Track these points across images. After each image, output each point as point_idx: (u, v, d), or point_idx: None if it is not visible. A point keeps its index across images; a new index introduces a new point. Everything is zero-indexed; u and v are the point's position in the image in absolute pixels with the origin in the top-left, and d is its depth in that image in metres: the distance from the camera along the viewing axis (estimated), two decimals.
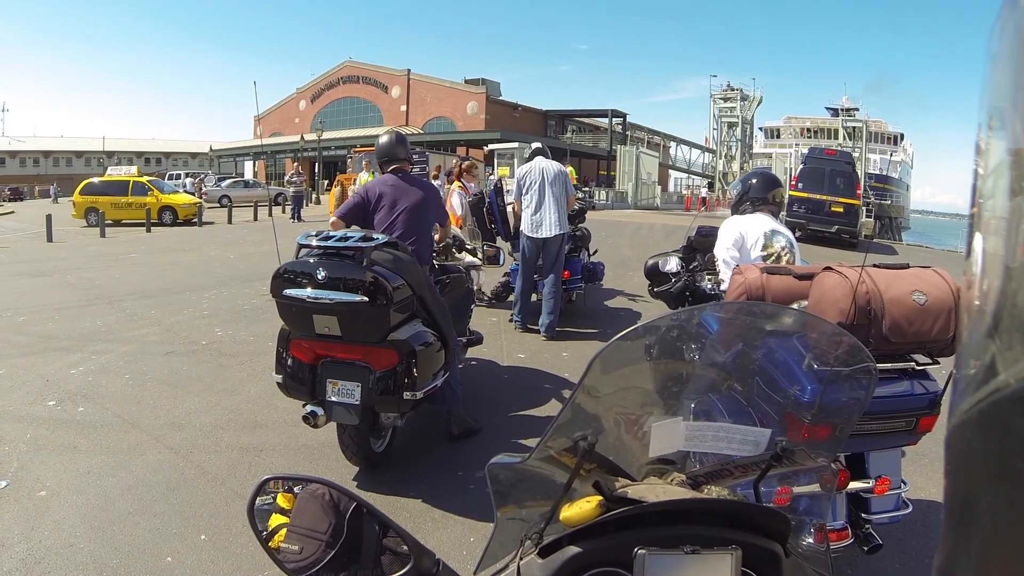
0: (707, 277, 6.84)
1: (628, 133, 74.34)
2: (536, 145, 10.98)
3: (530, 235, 10.24)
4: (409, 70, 77.99)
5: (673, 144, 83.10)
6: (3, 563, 4.72)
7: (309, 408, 5.43)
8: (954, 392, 0.71)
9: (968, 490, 0.67)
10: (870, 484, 4.14)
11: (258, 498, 1.77)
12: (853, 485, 4.11)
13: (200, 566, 4.69)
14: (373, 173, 18.60)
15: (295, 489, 1.77)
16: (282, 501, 1.76)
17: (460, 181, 13.75)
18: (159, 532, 5.11)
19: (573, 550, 1.60)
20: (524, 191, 10.32)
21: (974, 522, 0.65)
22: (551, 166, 10.50)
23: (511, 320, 11.16)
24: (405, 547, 1.64)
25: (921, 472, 5.93)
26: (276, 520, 1.74)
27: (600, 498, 1.70)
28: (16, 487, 5.82)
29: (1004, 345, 0.62)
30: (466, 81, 76.07)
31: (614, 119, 73.44)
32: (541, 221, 10.17)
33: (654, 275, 7.56)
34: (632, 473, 1.90)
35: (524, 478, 1.93)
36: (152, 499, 5.60)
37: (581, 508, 1.68)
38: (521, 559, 1.66)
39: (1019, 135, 0.63)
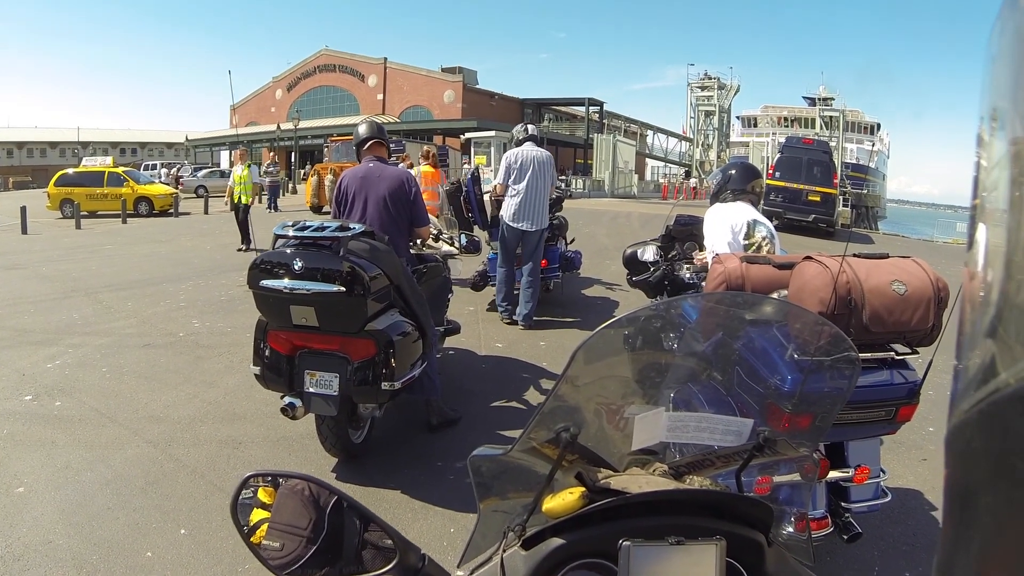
0: (685, 266, 6.85)
1: (605, 122, 74.30)
2: (531, 128, 10.78)
3: (512, 224, 10.21)
4: (386, 59, 77.71)
5: (650, 133, 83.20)
6: None
7: (287, 400, 5.43)
8: (953, 391, 0.70)
9: (968, 490, 0.67)
10: (850, 473, 4.17)
11: (240, 494, 1.76)
12: (833, 474, 4.14)
13: (180, 561, 4.69)
14: (248, 166, 19.64)
15: (279, 481, 1.76)
16: (263, 495, 1.75)
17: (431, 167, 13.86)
18: (138, 527, 5.09)
19: (557, 542, 1.61)
20: (512, 177, 10.23)
21: (974, 522, 0.65)
22: (542, 155, 10.42)
23: (495, 310, 11.15)
24: (388, 541, 1.64)
25: (899, 461, 5.99)
26: (257, 515, 1.73)
27: (583, 489, 1.71)
28: None
29: (1004, 345, 0.62)
30: (443, 69, 75.77)
31: (591, 107, 73.38)
32: (525, 213, 10.15)
33: (632, 264, 7.57)
34: (614, 464, 1.90)
35: (506, 470, 1.95)
36: (131, 494, 5.58)
37: (564, 499, 1.69)
38: (504, 551, 1.66)
39: (1019, 136, 0.63)
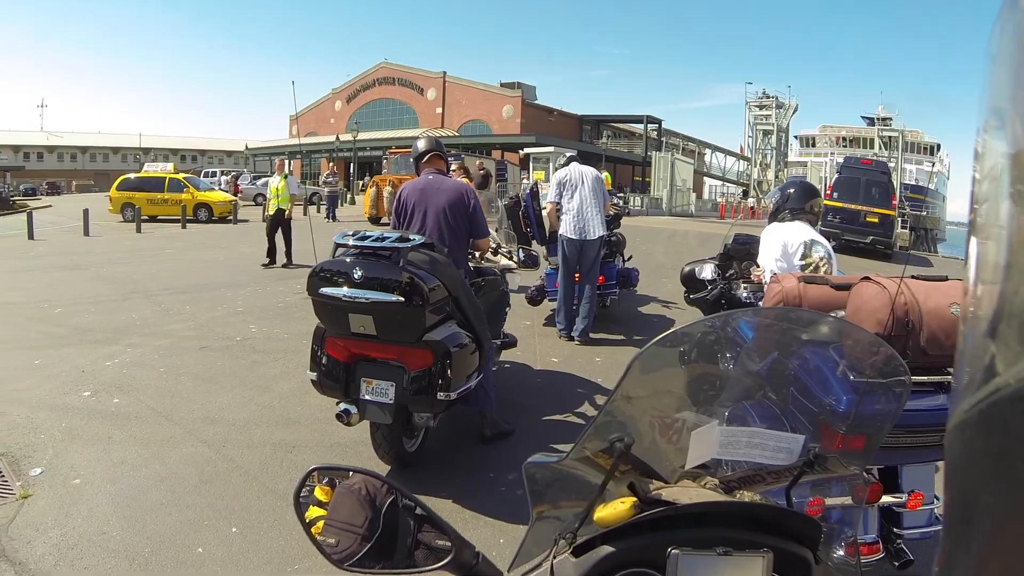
0: (743, 285, 6.80)
1: (663, 139, 73.86)
2: (570, 153, 11.09)
3: (571, 237, 10.24)
4: (445, 72, 77.92)
5: (708, 151, 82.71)
6: (36, 548, 4.82)
7: (343, 406, 5.47)
8: (954, 392, 0.71)
9: (968, 490, 0.67)
10: (903, 498, 4.09)
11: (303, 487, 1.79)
12: (886, 499, 4.08)
13: (231, 558, 4.76)
14: (285, 177, 18.77)
15: (335, 482, 1.78)
16: (320, 494, 1.78)
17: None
18: (191, 523, 5.18)
19: (606, 550, 1.61)
20: (564, 194, 10.35)
21: (974, 522, 0.65)
22: (588, 171, 10.59)
23: (552, 325, 11.17)
24: (440, 542, 1.67)
25: None
26: (314, 512, 1.76)
27: (634, 499, 1.71)
28: (50, 475, 5.92)
29: (1003, 345, 0.63)
30: (502, 85, 75.87)
31: (649, 125, 73.08)
32: (582, 223, 10.20)
33: (690, 282, 7.54)
34: (666, 476, 1.91)
35: (560, 478, 1.95)
36: (184, 491, 5.68)
37: (615, 509, 1.69)
38: (555, 558, 1.67)
39: (1019, 136, 0.63)
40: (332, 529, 1.70)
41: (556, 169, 11.27)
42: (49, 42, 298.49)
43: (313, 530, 1.73)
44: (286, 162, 19.48)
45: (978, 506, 0.64)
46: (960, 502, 0.68)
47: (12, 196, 58.86)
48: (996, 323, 0.64)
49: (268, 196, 19.18)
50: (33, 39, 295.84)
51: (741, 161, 78.05)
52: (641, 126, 74.73)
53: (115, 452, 6.36)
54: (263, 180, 51.30)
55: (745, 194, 68.92)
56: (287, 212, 18.30)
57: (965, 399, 0.66)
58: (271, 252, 18.18)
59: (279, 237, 18.21)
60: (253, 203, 44.68)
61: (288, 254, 18.35)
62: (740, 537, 1.60)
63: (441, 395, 5.37)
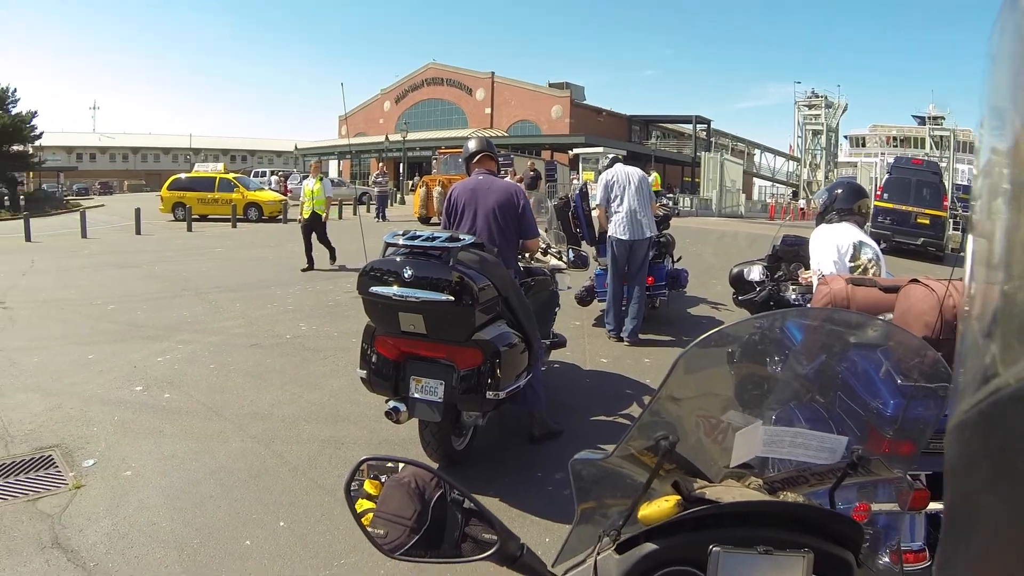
0: (792, 287, 6.76)
1: (712, 139, 73.57)
2: (613, 154, 11.04)
3: (620, 237, 10.24)
4: (493, 73, 78.05)
5: (757, 152, 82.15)
6: (88, 536, 4.95)
7: (392, 404, 5.52)
8: (953, 392, 0.72)
9: (968, 490, 0.68)
10: None
11: (354, 477, 1.82)
12: (933, 506, 4.03)
13: (278, 551, 4.83)
14: (320, 179, 17.87)
15: (381, 478, 1.81)
16: (369, 487, 1.81)
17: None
18: (239, 516, 5.27)
19: (649, 547, 1.62)
20: (612, 195, 10.34)
21: (974, 522, 0.66)
22: (634, 171, 10.59)
23: (601, 325, 11.18)
24: (487, 535, 1.68)
25: None
26: (363, 505, 1.79)
27: (678, 498, 1.72)
28: (103, 466, 6.06)
29: (1003, 345, 0.63)
30: (550, 85, 75.83)
31: (698, 125, 72.94)
32: (631, 224, 10.19)
33: (739, 283, 7.50)
34: (710, 475, 1.92)
35: (605, 475, 1.97)
36: (233, 484, 5.78)
37: (659, 507, 1.70)
38: (598, 554, 1.68)
39: (1019, 135, 0.63)
40: (381, 521, 1.73)
41: (601, 170, 11.22)
42: (101, 45, 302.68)
43: (364, 520, 1.75)
44: (321, 163, 19.18)
45: (978, 506, 0.65)
46: (960, 502, 0.70)
47: (65, 196, 60.38)
48: (995, 323, 0.65)
49: (302, 198, 18.26)
50: (85, 42, 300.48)
51: (791, 162, 77.45)
52: (690, 126, 74.57)
53: (166, 445, 6.48)
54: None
55: (795, 195, 68.34)
56: (324, 216, 17.86)
57: (965, 399, 0.67)
58: (309, 257, 17.67)
59: (316, 240, 17.75)
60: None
61: (332, 256, 18.07)
62: (781, 537, 1.60)
63: (490, 394, 5.38)
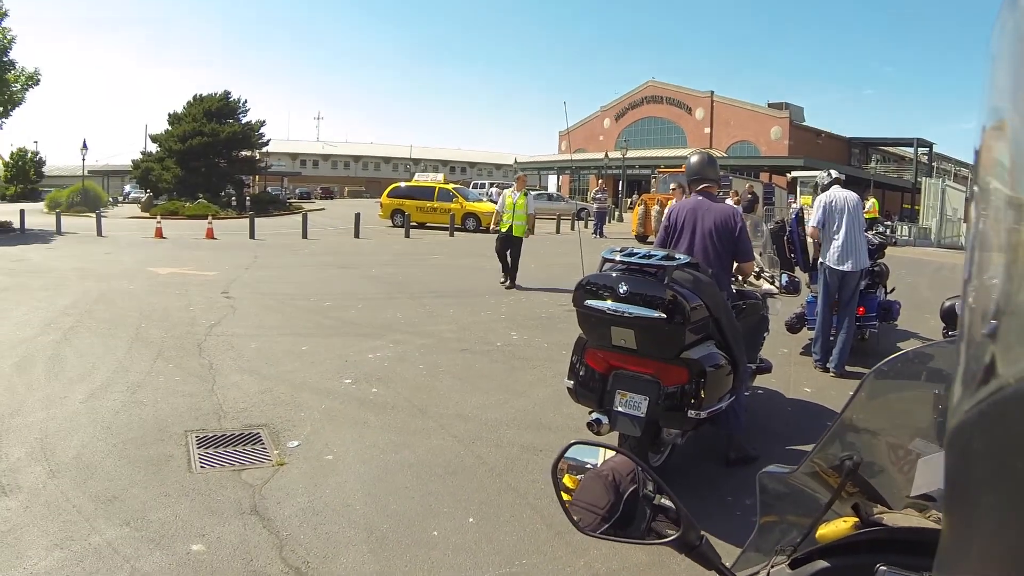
0: None
1: (934, 164, 70.05)
2: (835, 174, 10.62)
3: (833, 266, 9.98)
4: (712, 92, 76.83)
5: None
6: (285, 509, 5.35)
7: (595, 415, 5.61)
8: (953, 392, 0.72)
9: (968, 490, 0.69)
10: None
11: (562, 458, 1.96)
12: None
13: (464, 545, 5.01)
14: (525, 194, 17.11)
15: (579, 476, 1.93)
16: (568, 481, 1.94)
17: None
18: (430, 509, 5.50)
19: (822, 564, 1.64)
20: (828, 220, 10.05)
21: (974, 522, 0.67)
22: (851, 196, 10.26)
23: (809, 354, 10.92)
24: (670, 532, 1.73)
25: None
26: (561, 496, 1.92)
27: (856, 520, 1.74)
28: (306, 448, 6.50)
29: (1004, 345, 0.64)
30: (769, 105, 74.08)
31: (920, 149, 69.82)
32: (846, 252, 9.91)
33: (950, 318, 7.22)
34: (892, 503, 1.89)
35: (789, 492, 2.00)
36: (429, 478, 6.02)
37: (837, 527, 1.74)
38: (772, 567, 1.72)
39: (1019, 135, 0.66)
40: (576, 508, 1.85)
41: (816, 188, 10.83)
42: (326, 57, 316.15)
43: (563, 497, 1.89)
44: (527, 178, 18.85)
45: (978, 506, 0.66)
46: (960, 502, 0.71)
47: (288, 199, 63.92)
48: (996, 324, 0.66)
49: (502, 210, 17.17)
50: (312, 59, 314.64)
51: None
52: (911, 149, 71.49)
53: (368, 436, 6.85)
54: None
55: None
56: (526, 234, 17.07)
57: (965, 399, 0.68)
58: (506, 270, 17.01)
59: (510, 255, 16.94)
60: None
61: (512, 279, 17.00)
62: None
63: (692, 413, 5.42)
